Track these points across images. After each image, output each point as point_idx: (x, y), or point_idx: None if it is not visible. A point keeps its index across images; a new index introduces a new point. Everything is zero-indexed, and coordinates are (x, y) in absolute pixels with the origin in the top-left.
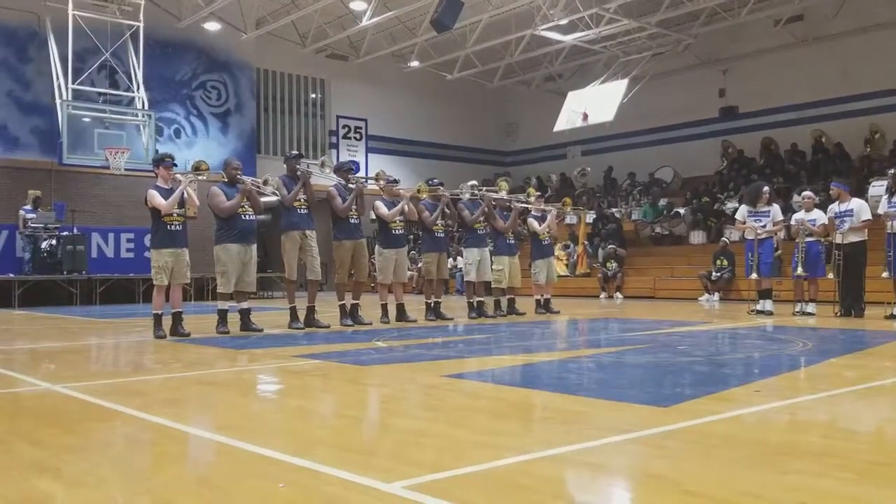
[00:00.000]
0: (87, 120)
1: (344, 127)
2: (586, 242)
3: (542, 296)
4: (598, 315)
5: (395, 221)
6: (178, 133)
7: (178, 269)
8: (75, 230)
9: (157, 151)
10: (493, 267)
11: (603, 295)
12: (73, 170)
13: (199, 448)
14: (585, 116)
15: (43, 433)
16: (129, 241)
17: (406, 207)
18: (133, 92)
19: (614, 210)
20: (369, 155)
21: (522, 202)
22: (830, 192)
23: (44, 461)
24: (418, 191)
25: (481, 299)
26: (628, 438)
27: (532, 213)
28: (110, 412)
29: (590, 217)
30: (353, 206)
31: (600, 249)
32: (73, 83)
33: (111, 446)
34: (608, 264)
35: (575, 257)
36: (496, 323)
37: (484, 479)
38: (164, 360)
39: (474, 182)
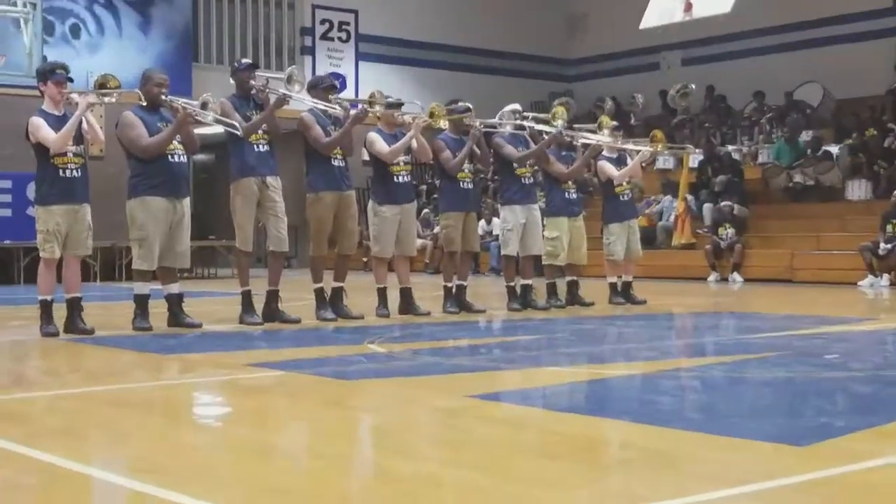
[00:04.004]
0: None
1: (323, 23)
2: (689, 198)
3: (621, 277)
4: (704, 307)
5: (397, 164)
6: (75, 31)
7: (74, 234)
8: None
9: (44, 59)
10: (546, 234)
11: (713, 276)
12: None
13: (107, 499)
14: (689, 6)
15: None
16: (3, 191)
17: (415, 143)
18: None
19: (731, 149)
20: (360, 64)
21: (589, 137)
22: None
23: None
24: (431, 115)
25: (528, 282)
26: (747, 492)
27: (605, 153)
28: None
29: (694, 160)
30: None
31: (710, 208)
32: None
33: None
34: (721, 230)
35: (672, 219)
36: (549, 317)
37: None
38: (56, 369)
39: (517, 106)
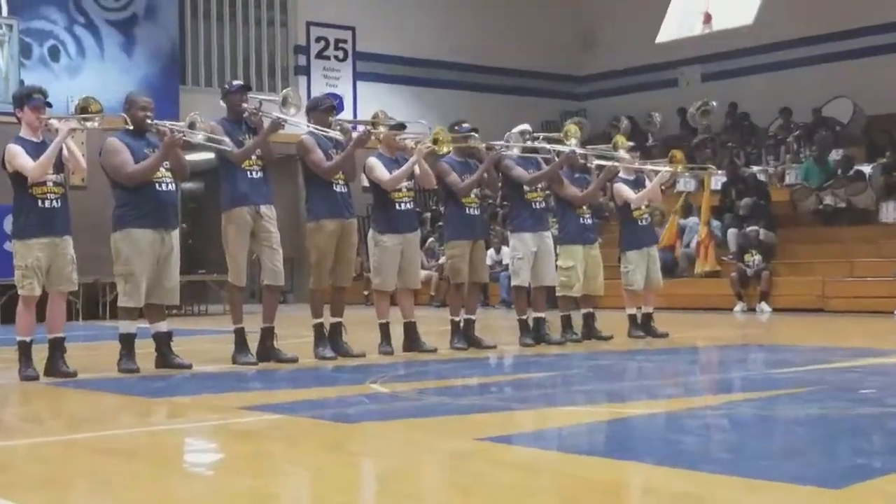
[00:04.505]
0: None
1: (318, 41)
2: (712, 222)
3: (640, 309)
4: (730, 339)
5: (399, 190)
6: (54, 53)
7: (56, 269)
8: None
9: (21, 83)
10: (560, 263)
11: (739, 306)
12: None
13: None
14: (708, 18)
15: None
16: None
17: (417, 168)
18: None
19: (756, 170)
20: (359, 84)
21: (605, 158)
22: None
23: None
24: (436, 141)
25: (540, 315)
26: None
27: (621, 175)
28: None
29: (717, 182)
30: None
31: (735, 233)
32: None
33: None
34: (747, 257)
35: (694, 245)
36: (565, 353)
37: None
38: (37, 414)
39: (526, 127)
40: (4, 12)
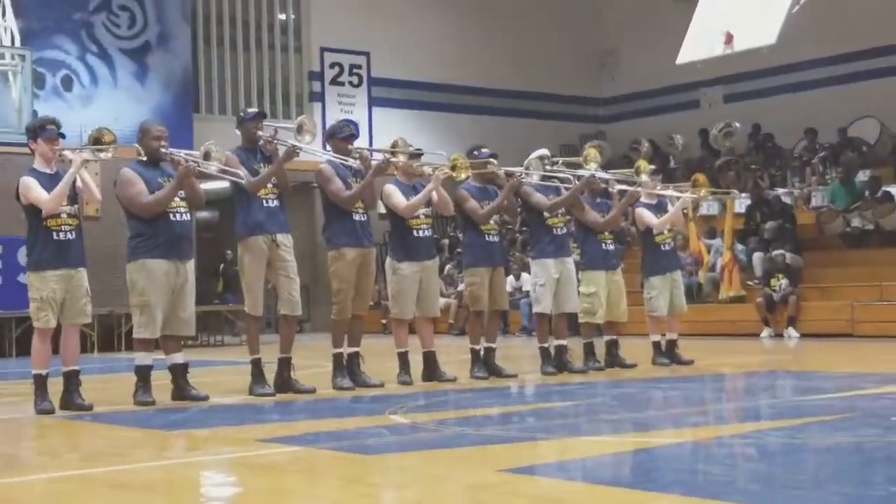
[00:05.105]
0: None
1: (333, 66)
2: (737, 247)
3: (665, 335)
4: (757, 366)
5: (416, 217)
6: (67, 83)
7: (71, 301)
8: None
9: (34, 114)
10: (582, 289)
11: (766, 332)
12: None
13: None
14: (730, 38)
15: None
16: None
17: (435, 195)
18: None
19: (781, 192)
20: (374, 110)
21: (626, 182)
22: None
23: None
24: (454, 168)
25: (562, 343)
26: None
27: (643, 199)
28: None
29: (741, 204)
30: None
31: (760, 257)
32: None
33: None
34: (774, 282)
35: (719, 269)
36: (588, 381)
37: None
38: (53, 449)
39: (545, 152)
40: (17, 42)
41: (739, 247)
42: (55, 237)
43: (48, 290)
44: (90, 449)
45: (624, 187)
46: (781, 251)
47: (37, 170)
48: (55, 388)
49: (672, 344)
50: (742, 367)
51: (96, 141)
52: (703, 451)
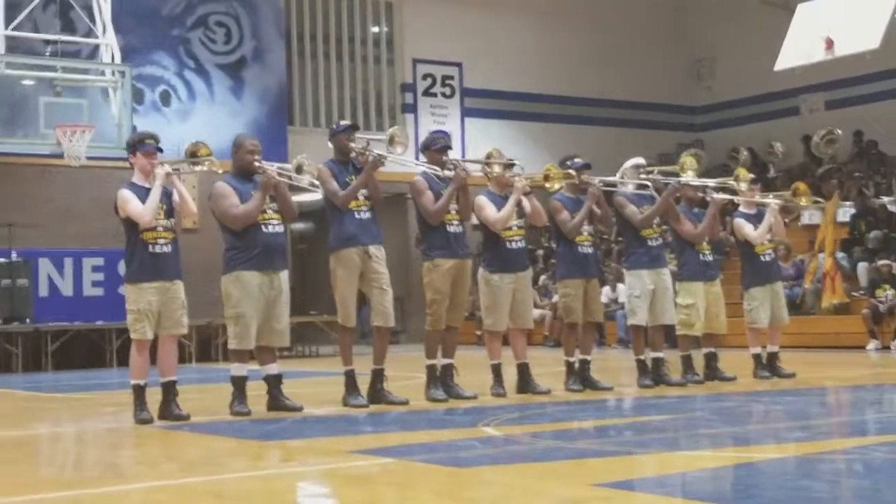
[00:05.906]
0: (28, 83)
1: (425, 78)
2: (839, 255)
3: (765, 348)
4: (863, 379)
5: (509, 228)
6: (165, 98)
7: (167, 313)
8: (14, 255)
9: (134, 129)
10: (679, 301)
11: (873, 344)
12: (7, 160)
13: None
14: (830, 44)
15: None
16: (95, 269)
17: (528, 205)
18: (97, 37)
19: (886, 200)
20: (466, 121)
21: (726, 191)
22: None
23: None
24: (546, 178)
25: (659, 355)
26: None
27: (742, 209)
28: None
29: (844, 213)
30: (454, 206)
31: (865, 267)
32: (5, 28)
33: None
34: (880, 292)
35: (820, 279)
36: (686, 394)
37: None
38: (151, 458)
39: (640, 160)
40: (117, 59)
41: (840, 254)
42: (151, 250)
43: (144, 301)
44: (187, 458)
45: (723, 196)
46: (887, 261)
47: (135, 184)
48: (154, 398)
49: (773, 356)
50: (846, 380)
51: (192, 154)
52: (806, 466)
